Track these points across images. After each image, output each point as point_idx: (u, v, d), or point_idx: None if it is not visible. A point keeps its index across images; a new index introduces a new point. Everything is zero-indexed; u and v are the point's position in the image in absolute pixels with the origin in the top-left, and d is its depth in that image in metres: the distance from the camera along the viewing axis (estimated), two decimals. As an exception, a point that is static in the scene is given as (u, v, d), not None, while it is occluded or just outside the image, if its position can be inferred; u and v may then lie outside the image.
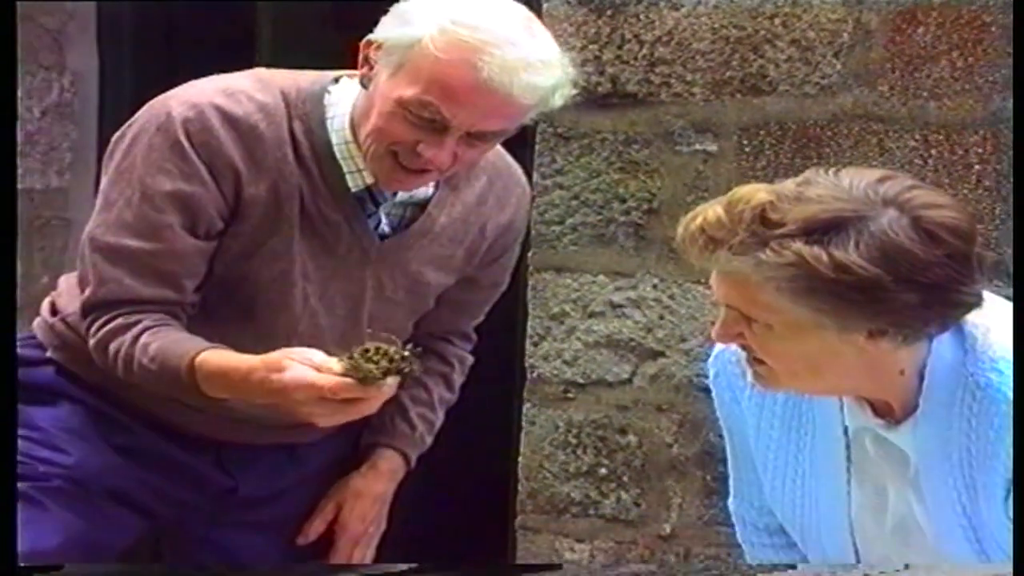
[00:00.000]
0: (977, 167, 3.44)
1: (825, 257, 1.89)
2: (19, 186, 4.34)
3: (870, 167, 2.04)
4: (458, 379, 2.77)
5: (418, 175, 2.40)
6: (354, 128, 2.42)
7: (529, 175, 3.67)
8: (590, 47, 3.73)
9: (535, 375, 3.85)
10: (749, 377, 2.10)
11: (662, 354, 3.73)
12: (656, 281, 3.73)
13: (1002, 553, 2.05)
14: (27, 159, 4.39)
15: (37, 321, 2.64)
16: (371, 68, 2.36)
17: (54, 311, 2.61)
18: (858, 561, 2.23)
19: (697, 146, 3.65)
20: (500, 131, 2.38)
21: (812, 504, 2.21)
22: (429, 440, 2.73)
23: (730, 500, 2.41)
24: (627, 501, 3.81)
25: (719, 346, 2.20)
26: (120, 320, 2.40)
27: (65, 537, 2.50)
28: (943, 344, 2.02)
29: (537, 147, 3.78)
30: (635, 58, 3.71)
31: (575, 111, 3.66)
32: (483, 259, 2.62)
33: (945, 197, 2.00)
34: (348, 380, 2.23)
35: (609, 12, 3.71)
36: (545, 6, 3.71)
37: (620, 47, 3.72)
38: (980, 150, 3.44)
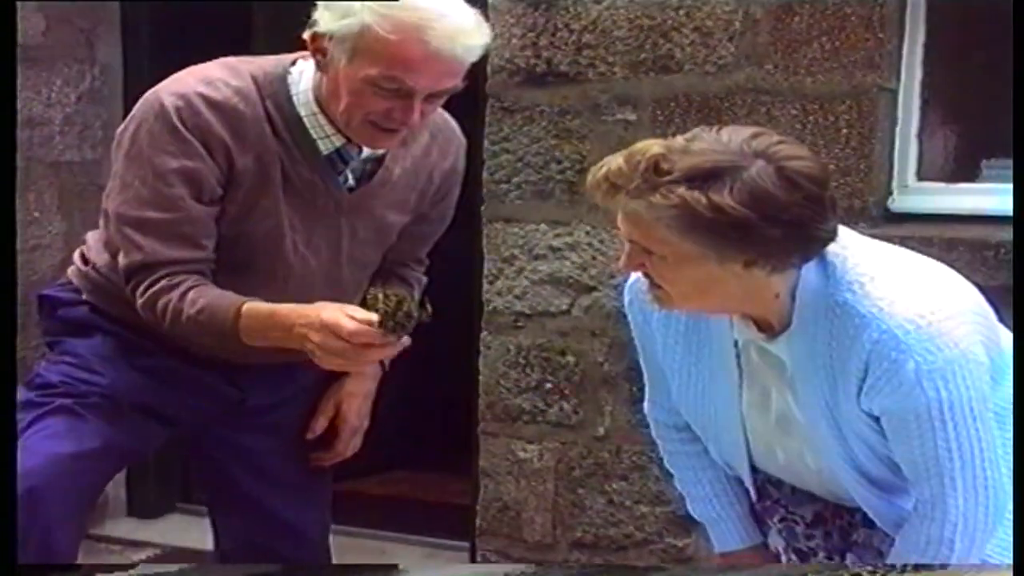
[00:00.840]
0: (845, 131, 3.49)
1: (704, 200, 1.91)
2: (61, 159, 4.38)
3: (749, 126, 2.04)
4: (418, 296, 2.74)
5: (394, 134, 2.41)
6: (319, 102, 2.42)
7: (481, 143, 3.79)
8: (528, 35, 3.74)
9: (490, 308, 3.89)
10: (650, 299, 2.12)
11: (595, 288, 3.78)
12: (588, 228, 3.76)
13: (855, 438, 2.12)
14: (66, 137, 4.34)
15: (71, 269, 2.66)
16: (325, 55, 2.35)
17: (85, 261, 2.63)
18: (748, 450, 2.28)
19: (619, 116, 3.67)
20: (452, 87, 2.38)
21: (711, 404, 2.25)
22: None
23: (645, 404, 2.45)
24: (568, 410, 3.86)
25: (631, 278, 2.23)
26: (164, 281, 2.40)
27: (103, 442, 2.52)
28: (810, 272, 2.04)
29: (487, 119, 3.80)
30: (566, 44, 3.72)
31: (517, 89, 3.76)
32: (432, 199, 2.65)
33: (804, 150, 2.01)
34: (372, 329, 2.23)
35: (544, 6, 3.73)
36: (491, 1, 3.72)
37: (553, 35, 3.73)
38: (847, 116, 3.48)
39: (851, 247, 2.08)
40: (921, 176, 3.57)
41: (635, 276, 2.20)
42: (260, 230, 2.46)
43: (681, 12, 3.60)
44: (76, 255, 2.69)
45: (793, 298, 2.06)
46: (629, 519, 3.83)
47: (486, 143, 3.82)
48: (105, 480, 2.70)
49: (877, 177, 3.51)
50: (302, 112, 2.43)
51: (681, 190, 1.92)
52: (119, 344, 2.59)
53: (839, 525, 2.31)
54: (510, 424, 3.92)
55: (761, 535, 2.41)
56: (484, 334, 3.91)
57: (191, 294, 2.39)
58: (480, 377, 3.94)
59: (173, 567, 2.77)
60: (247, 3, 4.43)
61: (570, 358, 3.84)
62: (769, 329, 2.12)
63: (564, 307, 3.83)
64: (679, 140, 1.98)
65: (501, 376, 3.91)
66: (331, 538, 2.87)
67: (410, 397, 4.50)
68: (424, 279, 2.80)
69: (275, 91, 2.43)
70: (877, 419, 2.09)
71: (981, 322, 2.09)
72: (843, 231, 2.09)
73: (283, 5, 4.40)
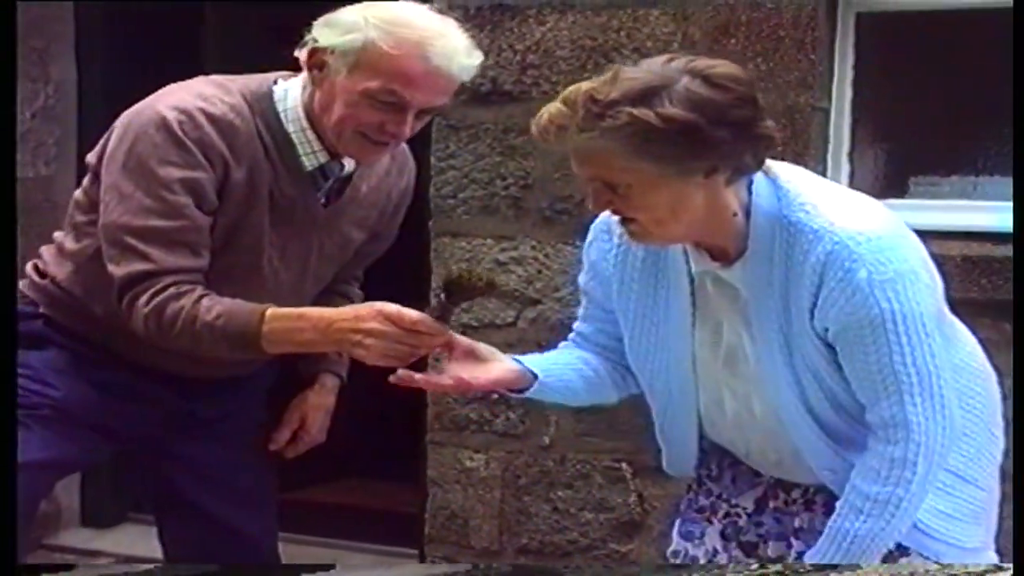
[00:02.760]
0: (780, 148, 3.24)
1: (651, 113, 1.97)
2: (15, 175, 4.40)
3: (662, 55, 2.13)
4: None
5: (384, 147, 2.46)
6: (309, 118, 2.45)
7: (428, 160, 3.80)
8: None
9: None
10: (619, 237, 2.18)
11: (539, 302, 3.80)
12: (533, 243, 3.79)
13: (806, 369, 2.14)
14: (20, 154, 4.26)
15: (24, 283, 2.64)
16: (322, 69, 2.39)
17: (43, 275, 2.62)
18: (697, 395, 2.29)
19: (562, 134, 3.68)
20: (442, 105, 2.46)
21: (664, 346, 2.27)
22: (348, 362, 2.78)
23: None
24: (514, 420, 3.89)
25: (597, 222, 2.28)
26: (172, 289, 2.38)
27: (48, 454, 2.53)
28: (761, 196, 2.10)
29: (433, 136, 3.83)
30: (510, 64, 3.78)
31: (463, 107, 3.77)
32: (389, 218, 2.69)
33: (719, 59, 2.09)
34: (430, 319, 2.28)
35: (489, 27, 3.77)
36: (438, 23, 3.79)
37: (498, 55, 3.78)
38: (782, 135, 3.21)
39: (801, 176, 2.17)
40: (852, 192, 3.63)
41: (601, 217, 2.25)
42: (244, 244, 2.48)
43: (622, 33, 3.65)
44: (30, 268, 2.68)
45: (748, 222, 2.11)
46: (574, 526, 3.86)
47: (433, 160, 3.84)
48: (47, 491, 2.71)
49: (811, 194, 3.55)
50: (290, 128, 2.47)
51: (626, 109, 1.97)
52: (73, 357, 2.59)
53: (776, 507, 2.34)
54: (457, 434, 3.94)
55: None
56: (432, 346, 3.93)
57: (205, 301, 2.39)
58: (428, 388, 3.96)
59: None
60: (199, 23, 4.44)
61: (516, 369, 3.87)
62: (724, 257, 2.16)
63: (510, 319, 3.85)
64: (604, 75, 2.04)
65: (448, 387, 3.93)
66: (281, 546, 2.89)
67: (360, 407, 4.48)
68: (361, 295, 2.82)
69: (264, 108, 2.47)
70: (830, 347, 2.12)
71: (925, 255, 2.16)
72: (793, 166, 2.18)
73: (233, 26, 4.47)
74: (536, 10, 3.72)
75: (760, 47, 3.52)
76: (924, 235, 3.27)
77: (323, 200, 2.54)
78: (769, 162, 2.14)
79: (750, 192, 2.11)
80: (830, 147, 3.60)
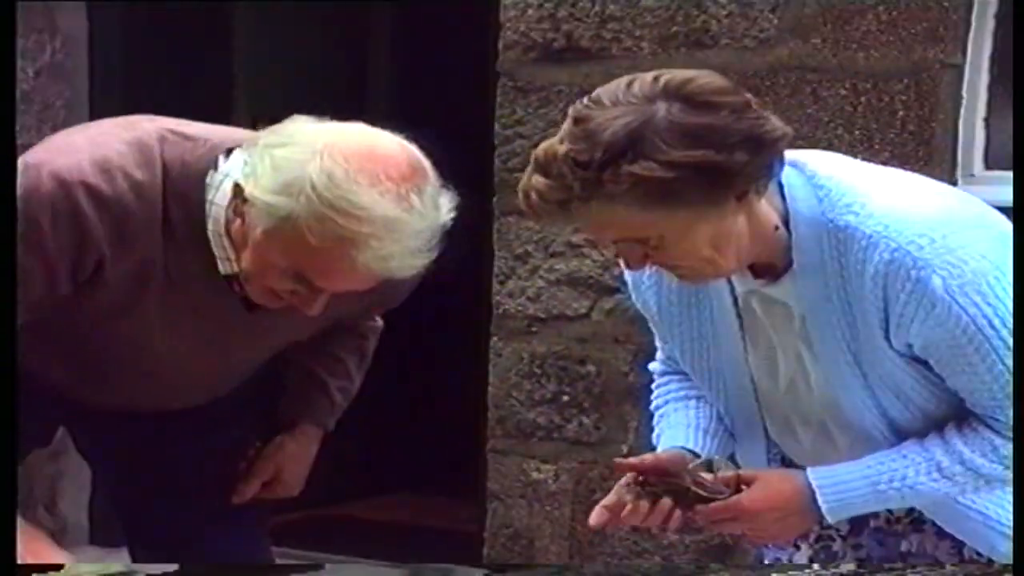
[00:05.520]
0: (901, 113, 3.49)
1: (654, 165, 1.89)
2: (18, 142, 4.39)
3: (616, 79, 1.96)
4: (372, 346, 2.69)
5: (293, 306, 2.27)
6: (228, 224, 2.25)
7: (491, 126, 3.83)
8: (545, 5, 3.78)
9: (501, 311, 3.91)
10: (676, 281, 2.10)
11: (617, 290, 3.73)
12: None
13: (885, 388, 2.09)
14: (23, 116, 4.18)
15: None
16: (240, 208, 2.20)
17: None
18: (764, 426, 2.23)
19: (646, 96, 3.66)
20: (371, 290, 2.23)
21: (718, 374, 2.22)
22: (346, 404, 2.69)
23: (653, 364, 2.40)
24: (588, 425, 3.88)
25: None
26: None
27: None
28: (799, 201, 2.04)
29: (498, 100, 3.82)
30: (587, 15, 3.74)
31: (532, 66, 3.79)
32: (374, 294, 2.34)
33: (689, 71, 1.98)
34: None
35: None
36: (504, -31, 3.73)
37: (573, 5, 3.75)
38: (904, 97, 3.49)
39: (842, 167, 2.08)
40: (989, 164, 3.57)
41: None
42: (123, 332, 2.35)
43: (719, -23, 3.63)
44: None
45: (789, 232, 2.05)
46: (656, 548, 3.86)
47: (497, 127, 3.86)
48: None
49: (938, 165, 3.51)
50: (210, 225, 2.27)
51: (625, 168, 1.89)
52: None
53: (877, 526, 2.25)
54: (523, 441, 3.95)
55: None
56: (494, 340, 3.93)
57: None
58: (490, 389, 3.95)
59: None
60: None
61: (590, 367, 3.85)
62: (769, 273, 2.10)
63: (583, 310, 3.86)
64: (566, 131, 1.94)
65: (513, 387, 3.93)
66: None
67: (410, 412, 4.51)
68: (380, 324, 2.69)
69: (186, 192, 2.27)
70: (917, 360, 2.07)
71: (1007, 243, 2.05)
72: (827, 155, 2.11)
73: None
74: (619, -50, 3.68)
75: (880, -8, 3.46)
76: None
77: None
78: (798, 154, 2.04)
79: (783, 197, 2.04)
80: (962, 112, 3.55)
